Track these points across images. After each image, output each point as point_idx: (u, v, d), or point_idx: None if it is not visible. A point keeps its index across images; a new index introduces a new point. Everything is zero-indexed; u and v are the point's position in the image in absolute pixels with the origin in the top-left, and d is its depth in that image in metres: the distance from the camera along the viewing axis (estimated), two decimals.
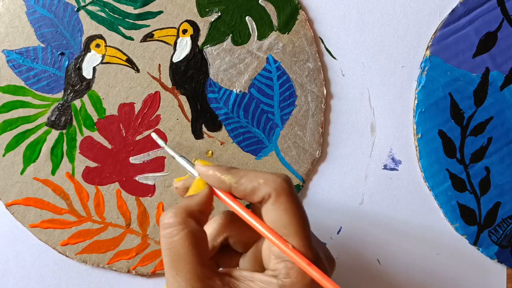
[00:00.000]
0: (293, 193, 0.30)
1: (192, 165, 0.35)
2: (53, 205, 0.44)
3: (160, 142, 0.41)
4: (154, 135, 0.42)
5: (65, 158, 0.44)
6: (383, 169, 0.46)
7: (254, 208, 0.33)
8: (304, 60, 0.45)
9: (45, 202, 0.44)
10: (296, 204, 0.30)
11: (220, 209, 0.45)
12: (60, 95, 0.44)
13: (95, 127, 0.44)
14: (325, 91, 0.45)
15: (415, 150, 0.46)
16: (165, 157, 0.44)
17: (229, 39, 0.44)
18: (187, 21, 0.44)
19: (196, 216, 0.31)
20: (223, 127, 0.45)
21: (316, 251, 0.30)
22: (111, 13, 0.44)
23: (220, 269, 0.33)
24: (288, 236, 0.29)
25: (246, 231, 0.33)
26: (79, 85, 0.44)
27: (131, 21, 0.44)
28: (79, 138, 0.44)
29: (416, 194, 0.46)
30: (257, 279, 0.30)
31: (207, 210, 0.32)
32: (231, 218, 0.34)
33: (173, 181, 0.35)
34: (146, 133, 0.44)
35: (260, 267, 0.32)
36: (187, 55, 0.44)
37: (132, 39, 0.44)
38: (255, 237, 0.33)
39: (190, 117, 0.44)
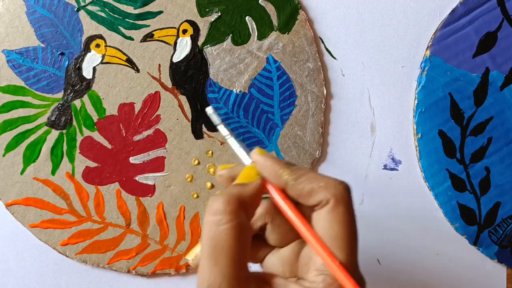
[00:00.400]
0: (352, 204, 0.28)
1: (247, 151, 0.32)
2: (53, 205, 0.44)
3: (215, 119, 0.34)
4: (209, 110, 0.34)
5: (65, 158, 0.44)
6: (383, 169, 0.46)
7: (302, 210, 0.30)
8: (304, 60, 0.45)
9: (45, 202, 0.44)
10: (353, 217, 0.28)
11: None
12: (60, 95, 0.44)
13: (95, 127, 0.44)
14: (325, 91, 0.45)
15: (415, 150, 0.46)
16: (165, 157, 0.44)
17: (229, 39, 0.44)
18: (187, 21, 0.44)
19: (247, 208, 0.28)
20: None
21: (360, 272, 0.28)
22: (111, 13, 0.44)
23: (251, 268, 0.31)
24: (336, 249, 0.27)
25: (288, 226, 0.30)
26: (79, 85, 0.44)
27: (131, 21, 0.44)
28: (79, 138, 0.44)
29: (416, 194, 0.46)
30: None
31: (256, 204, 0.29)
32: (277, 207, 0.31)
33: (218, 168, 0.32)
34: (146, 133, 0.44)
35: (290, 271, 0.30)
36: (187, 55, 0.44)
37: (132, 39, 0.44)
38: (296, 237, 0.31)
39: (190, 117, 0.44)
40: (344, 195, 0.28)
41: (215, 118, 0.34)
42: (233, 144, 0.32)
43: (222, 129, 0.34)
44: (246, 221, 0.27)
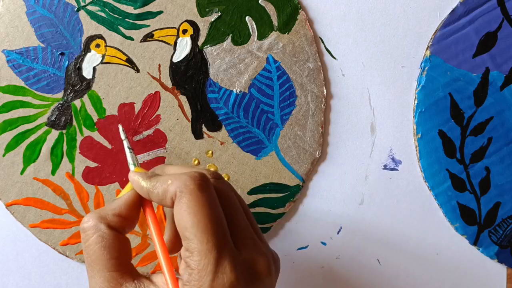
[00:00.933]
0: (198, 191, 0.28)
1: (134, 166, 0.36)
2: (53, 205, 0.44)
3: (122, 135, 0.40)
4: (120, 127, 0.41)
5: (65, 158, 0.44)
6: (383, 169, 0.46)
7: None
8: (304, 60, 0.45)
9: (45, 202, 0.44)
10: (200, 202, 0.28)
11: None
12: (60, 95, 0.44)
13: (95, 127, 0.44)
14: (325, 91, 0.45)
15: (415, 150, 0.46)
16: (165, 157, 0.44)
17: (229, 39, 0.44)
18: (187, 21, 0.44)
19: (110, 221, 0.30)
20: (223, 127, 0.45)
21: (222, 255, 0.28)
22: (111, 13, 0.44)
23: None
24: (189, 240, 0.28)
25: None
26: (79, 85, 0.44)
27: (131, 21, 0.44)
28: (79, 138, 0.44)
29: (416, 194, 0.46)
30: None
31: (128, 216, 0.31)
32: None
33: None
34: (146, 133, 0.44)
35: None
36: (187, 55, 0.44)
37: (132, 39, 0.44)
38: None
39: (190, 117, 0.44)
40: (187, 184, 0.28)
41: (122, 135, 0.39)
42: (127, 155, 0.37)
43: (125, 144, 0.38)
44: (107, 231, 0.30)
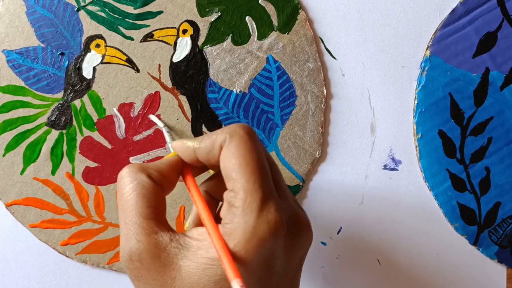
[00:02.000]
0: (247, 136, 0.29)
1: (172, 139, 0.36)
2: (53, 205, 0.44)
3: (158, 122, 0.42)
4: (153, 117, 0.42)
5: (65, 158, 0.44)
6: (383, 169, 0.46)
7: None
8: (304, 60, 0.45)
9: (45, 202, 0.44)
10: (249, 146, 0.29)
11: None
12: (60, 95, 0.44)
13: (95, 127, 0.44)
14: (325, 91, 0.45)
15: (415, 150, 0.46)
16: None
17: (229, 39, 0.44)
18: (187, 21, 0.44)
19: (149, 172, 0.30)
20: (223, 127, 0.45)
21: (268, 197, 0.28)
22: (111, 13, 0.44)
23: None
24: (235, 180, 0.28)
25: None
26: (79, 85, 0.44)
27: (131, 21, 0.44)
28: (79, 138, 0.44)
29: (416, 194, 0.46)
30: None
31: (168, 176, 0.31)
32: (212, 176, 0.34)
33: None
34: (146, 133, 0.44)
35: None
36: (187, 55, 0.44)
37: (132, 39, 0.44)
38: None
39: (190, 117, 0.44)
40: (237, 131, 0.29)
41: (157, 122, 0.41)
42: (165, 135, 0.38)
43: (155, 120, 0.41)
44: (147, 180, 0.29)
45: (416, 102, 0.45)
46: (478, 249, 0.46)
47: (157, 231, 0.28)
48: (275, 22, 0.44)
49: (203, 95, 0.44)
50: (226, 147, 0.29)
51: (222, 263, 0.26)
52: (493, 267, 0.46)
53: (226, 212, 0.28)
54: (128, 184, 0.29)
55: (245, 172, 0.28)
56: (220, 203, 0.34)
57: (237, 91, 0.44)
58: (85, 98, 0.44)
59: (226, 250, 0.26)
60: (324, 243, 0.46)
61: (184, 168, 0.33)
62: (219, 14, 0.44)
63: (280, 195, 0.30)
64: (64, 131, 0.44)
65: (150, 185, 0.29)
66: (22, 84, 0.43)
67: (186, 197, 0.44)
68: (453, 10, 0.45)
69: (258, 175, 0.28)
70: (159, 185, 0.30)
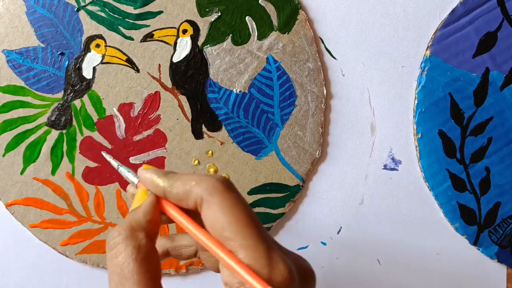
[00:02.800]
0: (229, 191, 0.27)
1: (134, 173, 0.31)
2: (53, 205, 0.44)
3: (111, 161, 0.34)
4: (105, 155, 0.35)
5: (65, 158, 0.44)
6: (383, 169, 0.46)
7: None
8: (304, 60, 0.45)
9: (45, 202, 0.44)
10: (233, 201, 0.26)
11: None
12: (60, 95, 0.44)
13: (95, 127, 0.44)
14: (325, 91, 0.45)
15: (415, 150, 0.46)
16: (165, 157, 0.44)
17: (229, 39, 0.44)
18: (187, 21, 0.44)
19: (146, 228, 0.27)
20: (223, 127, 0.45)
21: (271, 249, 0.25)
22: (111, 13, 0.44)
23: None
24: (230, 240, 0.25)
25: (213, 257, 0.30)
26: (79, 85, 0.44)
27: (131, 21, 0.44)
28: (79, 138, 0.44)
29: (416, 194, 0.46)
30: None
31: (154, 221, 0.28)
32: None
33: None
34: (146, 133, 0.44)
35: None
36: (187, 55, 0.44)
37: (132, 39, 0.44)
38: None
39: (190, 117, 0.44)
40: (216, 186, 0.26)
41: (107, 157, 0.34)
42: (123, 171, 0.32)
43: (107, 157, 0.34)
44: (145, 241, 0.27)
45: (416, 102, 0.45)
46: (478, 249, 0.46)
47: None
48: (275, 22, 0.44)
49: (203, 95, 0.44)
50: (208, 207, 0.26)
51: None
52: (493, 267, 0.46)
53: (231, 276, 0.25)
54: (123, 251, 0.26)
55: (238, 228, 0.25)
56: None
57: (237, 91, 0.44)
58: (85, 98, 0.44)
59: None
60: (324, 243, 0.46)
61: (161, 201, 0.29)
62: (219, 14, 0.44)
63: (278, 247, 0.28)
64: (64, 131, 0.44)
65: (148, 246, 0.27)
66: (22, 84, 0.43)
67: None
68: (453, 10, 0.45)
69: (255, 229, 0.26)
70: (153, 239, 0.28)
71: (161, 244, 0.32)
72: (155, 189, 0.28)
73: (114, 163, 0.33)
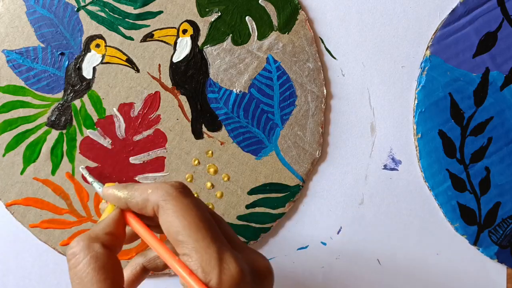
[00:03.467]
0: (183, 196, 0.28)
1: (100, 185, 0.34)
2: (53, 205, 0.44)
3: (87, 176, 0.36)
4: (83, 170, 0.38)
5: (65, 158, 0.44)
6: (383, 169, 0.46)
7: None
8: (304, 60, 0.45)
9: (45, 202, 0.44)
10: (187, 206, 0.28)
11: None
12: (60, 95, 0.44)
13: (95, 127, 0.44)
14: (325, 91, 0.45)
15: (415, 150, 0.46)
16: (165, 157, 0.44)
17: (229, 39, 0.44)
18: (187, 21, 0.44)
19: (103, 240, 0.29)
20: (223, 127, 0.45)
21: (222, 250, 0.27)
22: (111, 13, 0.44)
23: None
24: (184, 243, 0.27)
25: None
26: (79, 85, 0.44)
27: (131, 21, 0.44)
28: (79, 138, 0.44)
29: (416, 194, 0.46)
30: None
31: (118, 233, 0.30)
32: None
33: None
34: (146, 133, 0.44)
35: None
36: (187, 55, 0.44)
37: (132, 39, 0.44)
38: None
39: (190, 117, 0.44)
40: (170, 192, 0.28)
41: (85, 172, 0.37)
42: (96, 188, 0.34)
43: (83, 172, 0.36)
44: (102, 251, 0.28)
45: (416, 102, 0.45)
46: (478, 249, 0.46)
47: None
48: (275, 22, 0.44)
49: (203, 95, 0.44)
50: (164, 211, 0.28)
51: None
52: (493, 267, 0.46)
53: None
54: (82, 260, 0.27)
55: (190, 232, 0.27)
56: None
57: (237, 91, 0.45)
58: (85, 98, 0.44)
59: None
60: (324, 243, 0.46)
61: (125, 213, 0.31)
62: (219, 14, 0.44)
63: (234, 246, 0.29)
64: (64, 131, 0.44)
65: (105, 255, 0.28)
66: (22, 84, 0.43)
67: None
68: (453, 10, 0.45)
69: (206, 230, 0.27)
70: (113, 250, 0.29)
71: (137, 262, 0.33)
72: (118, 202, 0.30)
73: (89, 179, 0.35)
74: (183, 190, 0.29)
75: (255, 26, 0.44)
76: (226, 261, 0.26)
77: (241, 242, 0.31)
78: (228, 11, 0.44)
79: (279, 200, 0.45)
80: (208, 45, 0.44)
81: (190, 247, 0.27)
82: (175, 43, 0.44)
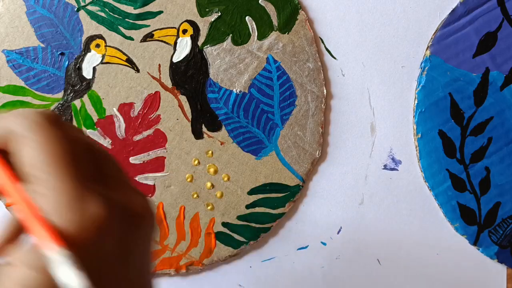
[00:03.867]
0: (51, 127, 0.23)
1: None
2: None
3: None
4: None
5: None
6: (383, 169, 0.46)
7: None
8: (304, 60, 0.45)
9: None
10: (54, 138, 0.23)
11: None
12: (60, 95, 0.44)
13: (95, 127, 0.44)
14: (325, 91, 0.45)
15: (415, 150, 0.46)
16: (165, 157, 0.44)
17: (229, 39, 0.44)
18: (187, 21, 0.44)
19: None
20: (223, 127, 0.45)
21: (86, 188, 0.23)
22: (111, 13, 0.44)
23: None
24: (40, 181, 0.22)
25: None
26: (79, 85, 0.44)
27: (131, 21, 0.44)
28: None
29: (416, 194, 0.46)
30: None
31: None
32: None
33: None
34: (146, 133, 0.44)
35: None
36: (187, 55, 0.44)
37: (132, 39, 0.44)
38: None
39: (190, 117, 0.44)
40: (37, 121, 0.23)
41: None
42: None
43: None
44: None
45: (416, 102, 0.45)
46: (478, 249, 0.46)
47: None
48: (275, 22, 0.44)
49: (203, 95, 0.44)
50: (24, 145, 0.23)
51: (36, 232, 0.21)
52: (493, 267, 0.46)
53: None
54: None
55: (50, 168, 0.22)
56: None
57: (237, 91, 0.44)
58: (85, 98, 0.44)
59: (39, 217, 0.21)
60: (324, 243, 0.46)
61: None
62: (219, 14, 0.44)
63: (112, 186, 0.25)
64: None
65: None
66: (22, 84, 0.43)
67: (186, 197, 0.44)
68: (453, 10, 0.45)
69: (69, 167, 0.23)
70: None
71: None
72: None
73: None
74: (53, 119, 0.24)
75: (255, 26, 0.44)
76: (87, 201, 0.23)
77: (124, 180, 0.26)
78: (228, 11, 0.44)
79: (279, 200, 0.45)
80: (208, 45, 0.44)
81: (47, 186, 0.22)
82: (175, 43, 0.44)
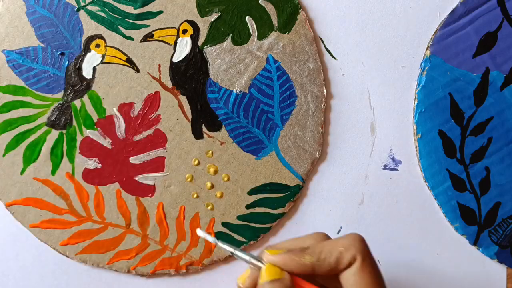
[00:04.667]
0: (373, 259, 0.31)
1: (256, 257, 0.32)
2: (53, 205, 0.44)
3: (210, 238, 0.33)
4: (200, 233, 0.33)
5: (65, 158, 0.44)
6: (383, 169, 0.46)
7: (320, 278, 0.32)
8: (304, 60, 0.45)
9: (45, 202, 0.44)
10: (377, 265, 0.30)
11: None
12: (60, 95, 0.44)
13: (95, 127, 0.44)
14: (325, 91, 0.45)
15: (415, 150, 0.46)
16: (165, 157, 0.44)
17: (229, 39, 0.44)
18: (187, 21, 0.44)
19: None
20: (223, 127, 0.45)
21: None
22: (111, 13, 0.44)
23: None
24: None
25: None
26: (79, 85, 0.44)
27: (131, 21, 0.44)
28: (79, 138, 0.44)
29: (416, 194, 0.46)
30: None
31: None
32: None
33: (237, 281, 0.33)
34: (146, 133, 0.44)
35: None
36: (187, 55, 0.44)
37: (132, 39, 0.44)
38: None
39: (190, 117, 0.44)
40: (365, 249, 0.30)
41: (209, 238, 0.33)
42: (242, 255, 0.32)
43: (224, 247, 0.33)
44: None
45: (416, 102, 0.45)
46: (478, 249, 0.46)
47: None
48: (275, 22, 0.45)
49: (203, 95, 0.44)
50: (361, 267, 0.29)
51: None
52: (493, 267, 0.46)
53: None
54: None
55: None
56: None
57: (237, 91, 0.45)
58: (85, 98, 0.44)
59: None
60: None
61: (294, 279, 0.31)
62: (219, 14, 0.44)
63: None
64: (64, 131, 0.44)
65: None
66: (22, 84, 0.43)
67: (186, 197, 0.44)
68: (453, 10, 0.45)
69: None
70: None
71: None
72: (302, 267, 0.30)
73: (229, 248, 0.33)
74: (367, 246, 0.31)
75: (255, 26, 0.44)
76: None
77: None
78: (228, 11, 0.44)
79: (279, 200, 0.45)
80: (208, 45, 0.44)
81: None
82: (175, 43, 0.44)
